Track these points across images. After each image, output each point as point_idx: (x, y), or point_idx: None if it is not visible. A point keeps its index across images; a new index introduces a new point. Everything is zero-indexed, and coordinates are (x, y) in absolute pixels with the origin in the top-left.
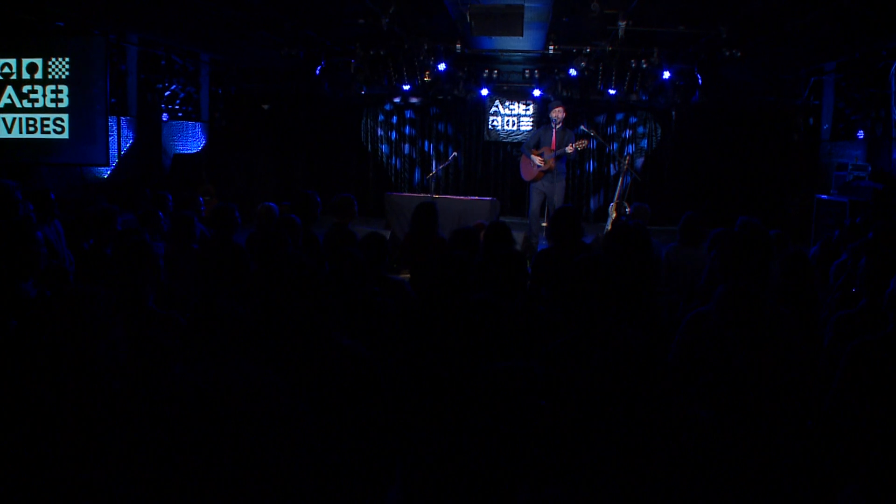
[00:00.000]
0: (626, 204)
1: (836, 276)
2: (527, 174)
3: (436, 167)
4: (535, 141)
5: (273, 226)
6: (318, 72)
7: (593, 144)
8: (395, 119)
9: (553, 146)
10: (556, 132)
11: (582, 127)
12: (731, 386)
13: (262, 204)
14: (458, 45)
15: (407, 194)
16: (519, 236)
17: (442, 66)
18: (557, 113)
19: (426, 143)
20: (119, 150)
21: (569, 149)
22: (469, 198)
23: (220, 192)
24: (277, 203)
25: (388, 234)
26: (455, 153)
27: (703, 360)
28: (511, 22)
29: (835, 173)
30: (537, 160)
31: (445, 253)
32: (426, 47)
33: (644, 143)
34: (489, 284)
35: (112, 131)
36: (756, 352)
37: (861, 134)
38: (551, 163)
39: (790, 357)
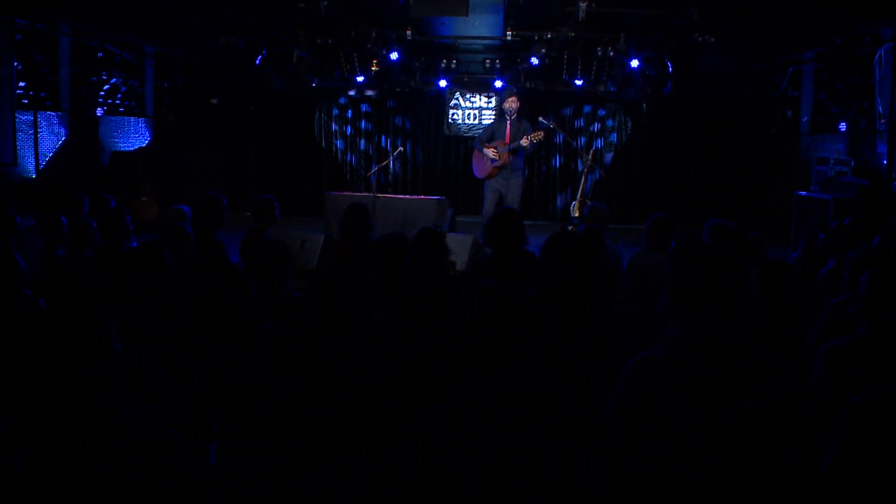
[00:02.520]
0: (588, 202)
1: (824, 288)
2: (480, 171)
3: (391, 162)
4: (489, 134)
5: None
6: (258, 62)
7: (559, 138)
8: (350, 113)
9: (507, 139)
10: (510, 124)
11: (541, 118)
12: (683, 471)
13: (172, 206)
14: (409, 32)
15: (348, 193)
16: (468, 240)
17: (394, 56)
18: (511, 103)
19: (383, 137)
20: (36, 147)
21: (524, 141)
22: (414, 197)
23: (163, 192)
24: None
25: (322, 238)
26: (400, 147)
27: (646, 427)
28: (454, 0)
29: (815, 168)
30: (491, 153)
31: (325, 274)
32: (374, 34)
33: (613, 136)
34: (389, 317)
35: (29, 127)
36: (721, 420)
37: (843, 126)
38: (506, 157)
39: (770, 426)
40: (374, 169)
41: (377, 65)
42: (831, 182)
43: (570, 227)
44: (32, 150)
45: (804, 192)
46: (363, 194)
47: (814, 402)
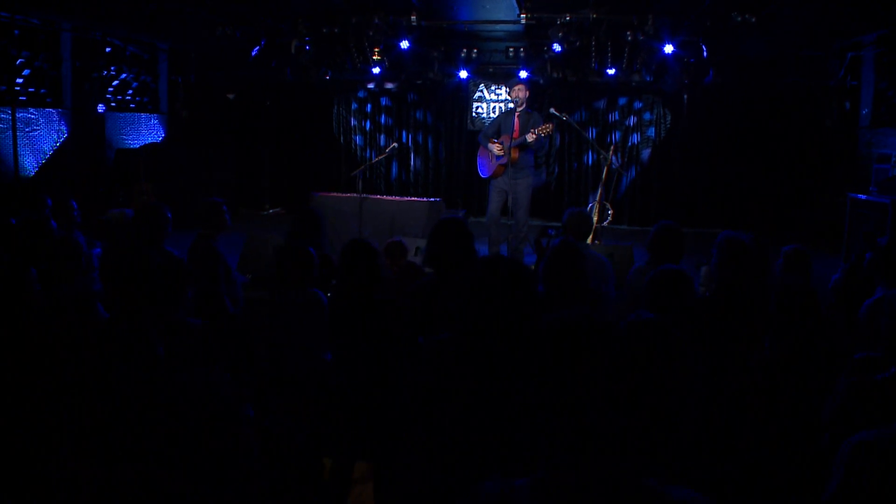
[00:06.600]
0: (608, 205)
1: (865, 328)
2: (485, 169)
3: (414, 160)
4: (495, 129)
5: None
6: (254, 53)
7: (592, 133)
8: (369, 107)
9: (515, 134)
10: (518, 116)
11: (552, 109)
12: None
13: (112, 210)
14: (414, 18)
15: (335, 194)
16: None
17: (405, 44)
18: (518, 92)
19: (404, 133)
20: (15, 146)
21: (529, 136)
22: (404, 199)
23: (167, 191)
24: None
25: None
26: (394, 143)
27: None
28: None
29: (875, 167)
30: (496, 149)
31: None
32: (377, 21)
33: (651, 131)
34: None
35: (26, 125)
36: None
37: None
38: (513, 153)
39: None
40: (361, 167)
41: (381, 53)
42: (892, 183)
43: (545, 241)
44: (23, 151)
45: (861, 196)
46: (350, 195)
47: None
